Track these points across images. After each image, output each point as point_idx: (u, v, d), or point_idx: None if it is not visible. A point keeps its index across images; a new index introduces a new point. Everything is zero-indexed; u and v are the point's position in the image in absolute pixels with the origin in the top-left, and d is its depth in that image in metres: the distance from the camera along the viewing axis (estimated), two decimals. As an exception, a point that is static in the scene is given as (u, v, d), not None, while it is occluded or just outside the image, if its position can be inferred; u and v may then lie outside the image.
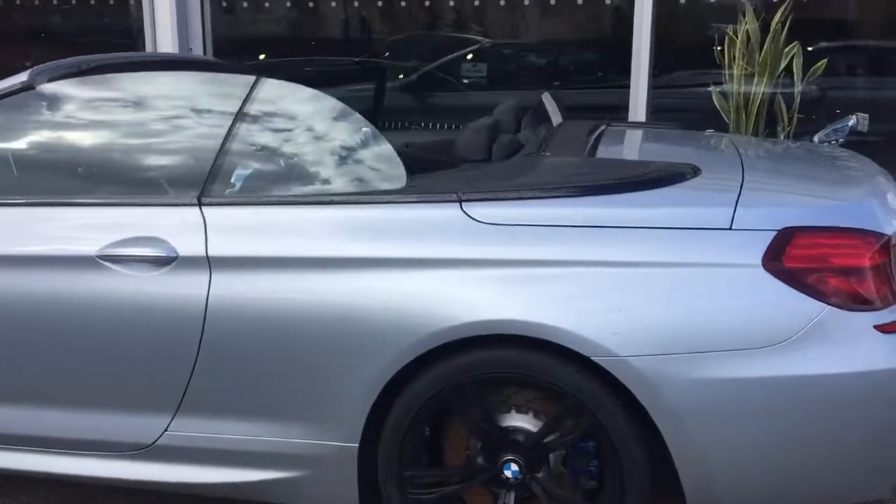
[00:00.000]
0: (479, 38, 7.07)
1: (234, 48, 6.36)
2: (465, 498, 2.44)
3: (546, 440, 2.28)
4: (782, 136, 5.08)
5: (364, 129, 2.40)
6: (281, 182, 2.42)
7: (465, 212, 2.25)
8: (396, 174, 2.35)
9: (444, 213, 2.26)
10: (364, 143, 2.39)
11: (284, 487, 2.42)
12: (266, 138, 2.44)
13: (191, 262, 2.34)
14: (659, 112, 5.63)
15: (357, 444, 2.31)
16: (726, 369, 2.11)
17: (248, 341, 2.31)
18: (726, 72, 5.08)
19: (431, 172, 2.55)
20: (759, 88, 5.04)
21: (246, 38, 6.77)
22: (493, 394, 2.34)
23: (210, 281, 2.33)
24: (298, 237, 2.30)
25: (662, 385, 2.12)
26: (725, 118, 5.11)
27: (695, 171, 2.39)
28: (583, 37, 6.44)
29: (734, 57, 5.07)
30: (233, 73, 2.96)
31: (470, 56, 7.20)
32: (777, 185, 2.42)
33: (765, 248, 2.14)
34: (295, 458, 2.37)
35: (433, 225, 2.26)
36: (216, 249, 2.33)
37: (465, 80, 6.93)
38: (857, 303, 2.13)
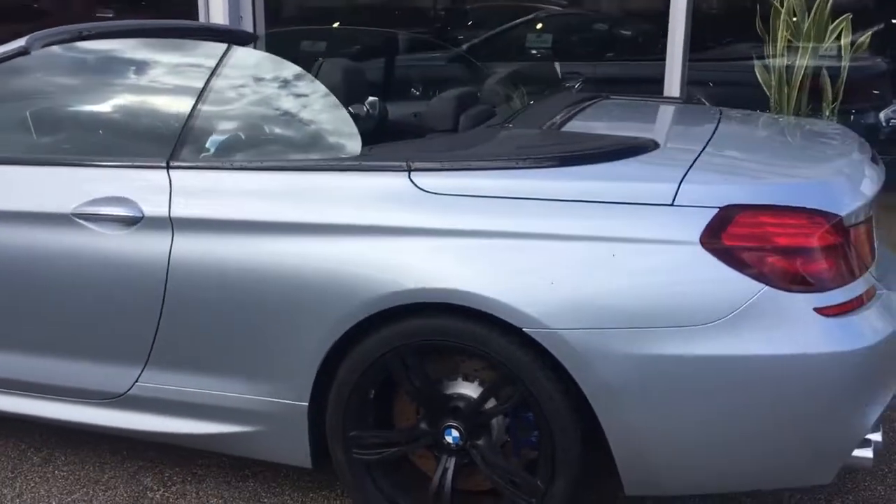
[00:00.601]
0: (547, 6, 7.00)
1: (284, 18, 6.49)
2: (413, 461, 2.50)
3: (483, 408, 2.32)
4: (827, 113, 4.90)
5: (325, 98, 2.45)
6: (244, 148, 2.50)
7: (413, 181, 2.29)
8: (352, 142, 2.40)
9: (394, 182, 2.30)
10: (324, 112, 2.45)
11: (243, 441, 2.52)
12: (232, 105, 2.52)
13: (155, 223, 2.45)
14: (698, 86, 5.50)
15: (306, 404, 2.40)
16: (660, 346, 2.10)
17: (206, 300, 2.41)
18: (769, 44, 4.92)
19: (394, 142, 2.58)
20: (803, 61, 4.87)
21: (298, 7, 6.90)
22: (441, 361, 2.38)
23: (172, 241, 2.43)
24: (255, 201, 2.38)
25: (595, 360, 2.12)
26: (767, 92, 4.96)
27: (651, 146, 2.36)
28: (646, 6, 6.32)
29: (778, 28, 4.91)
30: (231, 41, 3.06)
31: (539, 25, 7.16)
32: (735, 162, 2.37)
33: (704, 226, 2.11)
34: (251, 414, 2.47)
35: (383, 193, 2.30)
36: (178, 211, 2.43)
37: (531, 50, 6.89)
38: (798, 284, 2.09)
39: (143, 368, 2.55)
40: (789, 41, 4.90)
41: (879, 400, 2.20)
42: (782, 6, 4.86)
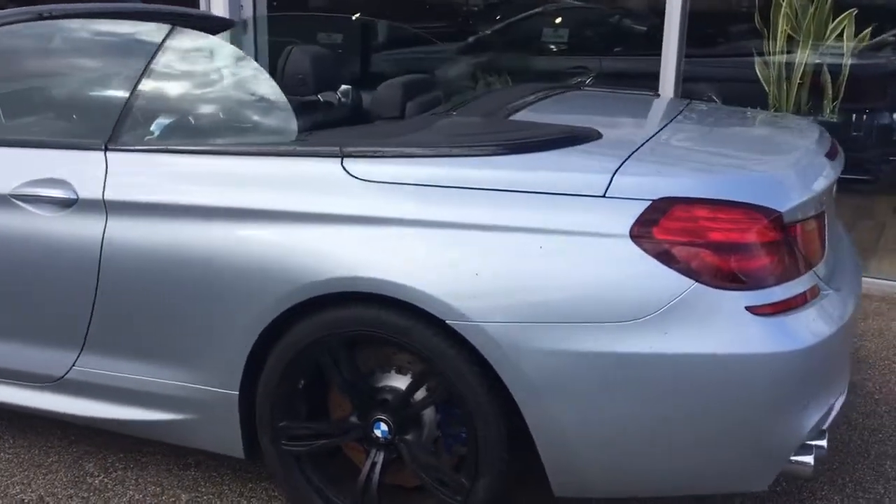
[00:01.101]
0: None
1: (293, 4, 6.47)
2: (347, 453, 2.45)
3: (410, 403, 2.26)
4: (827, 111, 4.77)
5: (265, 83, 2.41)
6: (185, 131, 2.47)
7: (344, 168, 2.23)
8: (288, 128, 2.35)
9: (326, 168, 2.25)
10: (262, 97, 2.40)
11: (177, 429, 2.49)
12: (172, 88, 2.48)
13: (89, 205, 2.42)
14: (698, 81, 5.38)
15: (237, 392, 2.35)
16: (585, 342, 2.02)
17: (138, 285, 2.38)
18: (769, 40, 4.80)
19: (333, 128, 2.53)
20: (803, 57, 4.74)
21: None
22: (374, 353, 2.33)
23: (106, 225, 2.40)
24: (187, 185, 2.34)
25: (518, 355, 2.05)
26: (766, 88, 4.84)
27: (594, 136, 2.28)
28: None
29: (778, 23, 4.79)
30: (203, 27, 3.04)
31: (558, 20, 7.06)
32: (678, 154, 2.28)
33: (635, 219, 2.03)
34: (184, 402, 2.43)
35: (315, 179, 2.25)
36: (111, 194, 2.40)
37: (546, 43, 6.80)
38: (730, 281, 2.00)
39: (80, 353, 2.53)
40: (790, 36, 4.78)
41: (818, 404, 2.11)
42: (783, 1, 4.74)
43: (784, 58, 4.80)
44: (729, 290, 2.00)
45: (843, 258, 2.52)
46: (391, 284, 2.10)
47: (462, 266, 2.08)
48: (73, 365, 2.55)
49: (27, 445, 2.88)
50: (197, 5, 6.08)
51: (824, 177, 2.29)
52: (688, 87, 5.01)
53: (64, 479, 2.69)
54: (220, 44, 2.49)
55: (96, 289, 2.43)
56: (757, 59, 4.88)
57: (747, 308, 1.99)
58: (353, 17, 6.43)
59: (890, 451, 2.88)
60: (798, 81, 4.74)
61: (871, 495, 2.63)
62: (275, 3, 6.11)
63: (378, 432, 2.29)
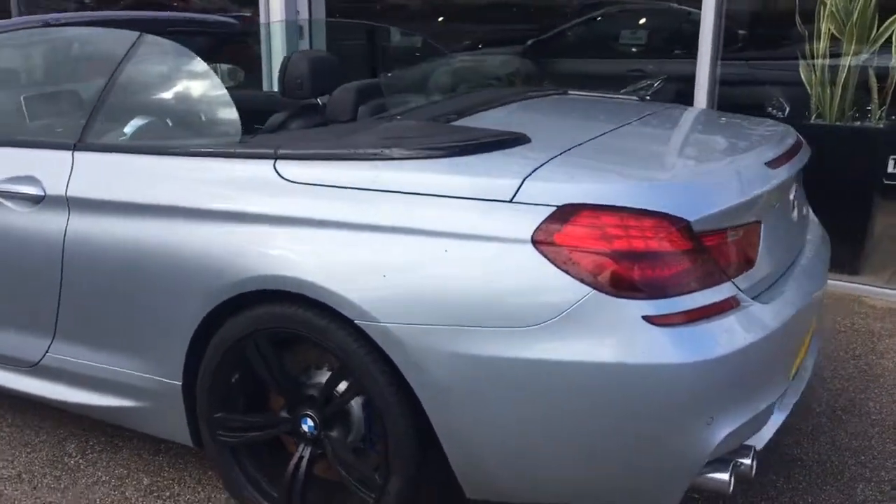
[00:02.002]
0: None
1: (345, 11, 6.64)
2: (286, 445, 2.53)
3: (330, 400, 2.31)
4: (876, 116, 4.55)
5: (215, 87, 2.52)
6: (147, 132, 2.60)
7: (276, 169, 2.31)
8: (233, 130, 2.45)
9: (259, 169, 2.33)
10: (212, 100, 2.51)
11: (132, 416, 2.62)
12: (135, 93, 2.62)
13: (55, 202, 2.58)
14: (739, 85, 5.21)
15: (180, 383, 2.46)
16: (485, 347, 2.03)
17: (93, 277, 2.52)
18: (813, 41, 4.62)
19: (282, 131, 2.61)
20: (847, 60, 4.54)
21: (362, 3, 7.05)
22: (303, 351, 2.40)
23: (68, 220, 2.56)
24: (138, 184, 2.47)
25: (422, 356, 2.08)
26: (809, 91, 4.65)
27: (522, 140, 2.28)
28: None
29: (822, 25, 4.60)
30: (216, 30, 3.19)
31: (643, 21, 6.99)
32: (599, 160, 2.24)
33: (537, 225, 2.02)
34: (136, 390, 2.56)
35: (249, 180, 2.33)
36: (73, 191, 2.55)
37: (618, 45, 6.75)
38: (628, 290, 1.97)
39: (52, 340, 2.69)
40: (834, 37, 4.58)
41: (729, 419, 2.04)
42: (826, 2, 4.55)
43: (828, 61, 4.60)
44: (627, 299, 1.97)
45: (802, 264, 2.43)
46: (309, 284, 2.17)
47: (371, 268, 2.12)
48: (47, 352, 2.72)
49: (21, 425, 3.09)
50: (256, 9, 6.32)
51: (761, 185, 2.21)
52: (724, 91, 4.87)
53: (44, 458, 2.87)
54: (181, 50, 2.61)
55: (61, 281, 2.59)
56: (801, 63, 4.70)
57: (645, 318, 1.96)
58: (390, 28, 6.55)
59: (867, 474, 2.75)
60: (842, 85, 4.54)
61: (829, 518, 2.53)
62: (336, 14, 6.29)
63: (305, 427, 2.36)
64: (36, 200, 2.61)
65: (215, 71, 4.09)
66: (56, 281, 2.59)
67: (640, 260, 1.98)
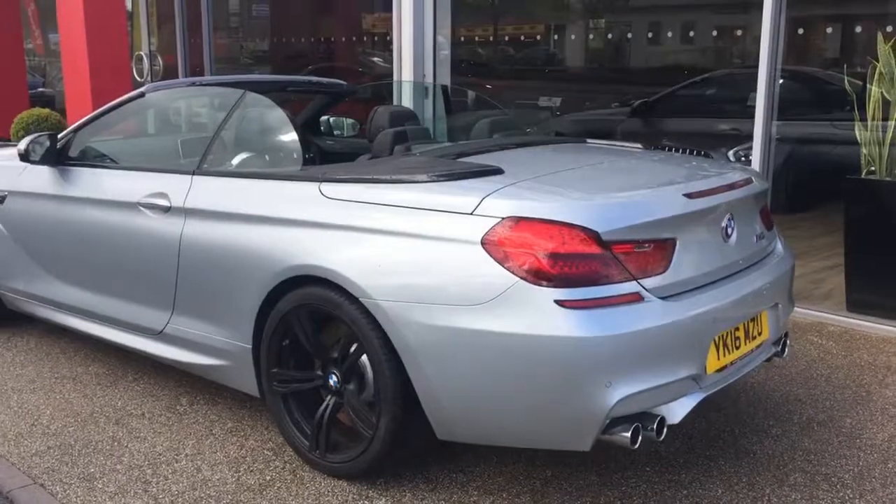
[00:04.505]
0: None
1: (465, 72, 7.57)
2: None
3: (345, 360, 3.10)
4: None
5: (287, 130, 3.44)
6: (245, 162, 3.54)
7: (320, 190, 3.16)
8: (296, 160, 3.34)
9: (308, 189, 3.19)
10: (285, 142, 3.42)
11: (221, 372, 3.52)
12: (240, 133, 3.58)
13: (177, 211, 3.55)
14: (789, 142, 5.57)
15: (250, 346, 3.33)
16: (445, 318, 2.75)
17: (199, 266, 3.46)
18: (864, 102, 5.01)
19: (338, 163, 3.48)
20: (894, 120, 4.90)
21: (480, 65, 7.95)
22: (334, 329, 3.19)
23: (184, 225, 3.52)
24: (230, 198, 3.39)
25: (401, 325, 2.83)
26: (862, 148, 5.03)
27: (495, 172, 3.01)
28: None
29: (872, 85, 4.98)
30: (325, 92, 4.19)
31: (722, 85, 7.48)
32: (548, 187, 2.93)
33: (486, 230, 2.74)
34: (223, 352, 3.46)
35: (300, 196, 3.20)
36: (189, 203, 3.52)
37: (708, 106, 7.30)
38: (543, 280, 2.64)
39: (171, 314, 3.65)
40: (885, 98, 4.95)
41: (626, 386, 2.64)
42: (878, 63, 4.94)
43: (878, 122, 4.97)
44: (544, 287, 2.64)
45: (740, 281, 3.01)
46: (332, 272, 2.98)
47: (371, 260, 2.91)
48: (168, 323, 3.68)
49: (145, 380, 4.08)
50: (391, 73, 7.36)
51: (672, 210, 2.83)
52: (780, 148, 5.32)
53: (162, 406, 3.83)
54: (270, 104, 3.55)
55: (178, 270, 3.54)
56: (857, 124, 5.09)
57: (556, 301, 2.62)
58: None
59: (808, 468, 3.20)
60: (889, 144, 4.90)
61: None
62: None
63: (331, 381, 3.16)
64: (165, 210, 3.60)
65: (341, 123, 5.10)
66: (175, 269, 3.55)
67: (556, 259, 2.65)
